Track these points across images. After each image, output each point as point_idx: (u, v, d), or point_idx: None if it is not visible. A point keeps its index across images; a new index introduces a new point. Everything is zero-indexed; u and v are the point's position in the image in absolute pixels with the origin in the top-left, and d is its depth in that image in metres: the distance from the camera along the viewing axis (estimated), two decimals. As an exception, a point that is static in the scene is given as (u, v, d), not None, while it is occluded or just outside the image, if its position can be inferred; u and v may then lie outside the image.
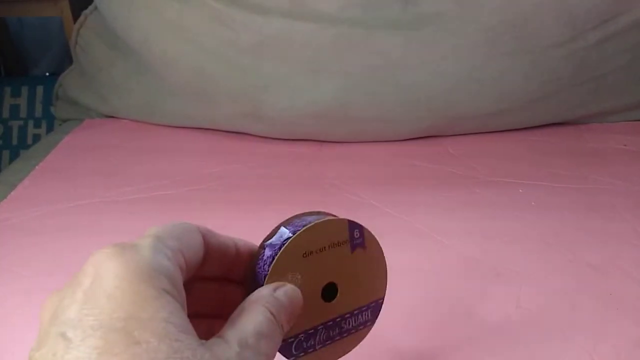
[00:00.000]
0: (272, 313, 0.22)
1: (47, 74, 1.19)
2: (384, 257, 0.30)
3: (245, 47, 0.72)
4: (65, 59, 1.13)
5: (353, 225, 0.28)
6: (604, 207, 0.59)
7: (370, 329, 0.30)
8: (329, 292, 0.27)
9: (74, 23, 0.86)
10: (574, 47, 0.72)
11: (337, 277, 0.27)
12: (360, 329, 0.29)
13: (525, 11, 0.70)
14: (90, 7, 0.84)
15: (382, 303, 0.30)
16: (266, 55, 0.72)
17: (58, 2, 0.93)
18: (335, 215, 0.29)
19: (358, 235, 0.29)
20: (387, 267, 0.31)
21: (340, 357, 0.29)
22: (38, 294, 0.47)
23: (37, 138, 1.07)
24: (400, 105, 0.73)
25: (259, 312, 0.22)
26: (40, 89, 1.10)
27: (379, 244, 0.30)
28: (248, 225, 0.57)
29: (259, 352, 0.20)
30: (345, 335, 0.28)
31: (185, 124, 0.82)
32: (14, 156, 1.07)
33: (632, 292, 0.46)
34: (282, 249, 0.26)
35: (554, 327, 0.42)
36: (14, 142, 1.09)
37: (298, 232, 0.26)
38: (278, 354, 0.23)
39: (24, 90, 1.10)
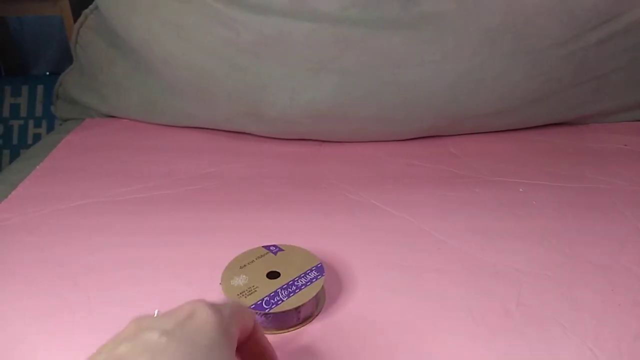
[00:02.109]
0: None
1: (48, 73, 1.19)
2: (302, 248, 0.48)
3: (245, 47, 0.72)
4: (65, 59, 1.13)
5: (267, 246, 0.48)
6: (604, 205, 0.59)
7: (323, 280, 0.44)
8: (275, 275, 0.44)
9: (74, 22, 0.86)
10: (575, 47, 0.72)
11: (274, 267, 0.45)
12: (314, 281, 0.43)
13: (526, 11, 0.70)
14: (91, 7, 0.84)
15: (321, 265, 0.45)
16: (266, 55, 0.72)
17: (58, 1, 0.93)
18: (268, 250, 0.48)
19: (274, 248, 0.48)
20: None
21: (309, 299, 0.41)
22: (39, 294, 0.47)
23: (37, 137, 1.07)
24: (401, 105, 0.73)
25: None
26: (40, 89, 1.10)
27: (294, 245, 0.48)
28: (248, 225, 0.57)
29: None
30: (303, 287, 0.42)
31: (185, 124, 0.82)
32: (14, 156, 1.07)
33: (633, 288, 0.46)
34: (225, 268, 0.45)
35: (555, 323, 0.42)
36: (15, 141, 1.09)
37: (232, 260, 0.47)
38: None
39: (25, 90, 1.10)
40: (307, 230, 0.56)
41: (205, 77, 0.75)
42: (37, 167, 0.71)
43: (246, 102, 0.74)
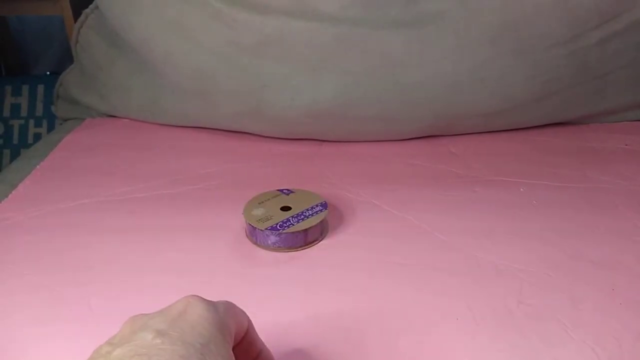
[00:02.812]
0: None
1: (48, 73, 1.19)
2: (309, 191, 0.58)
3: (245, 46, 0.72)
4: (66, 58, 1.13)
5: (281, 189, 0.58)
6: (605, 205, 0.59)
7: (326, 212, 0.54)
8: (287, 208, 0.55)
9: (75, 22, 0.86)
10: (576, 47, 0.71)
11: (287, 203, 0.56)
12: (320, 211, 0.54)
13: (527, 11, 0.69)
14: (91, 6, 0.84)
15: (326, 202, 0.56)
16: (267, 55, 0.72)
17: (59, 0, 0.93)
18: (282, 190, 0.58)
19: (287, 191, 0.58)
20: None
21: (314, 223, 0.52)
22: (39, 293, 0.47)
23: (38, 137, 1.07)
24: (401, 104, 0.73)
25: None
26: (41, 88, 1.10)
27: (303, 189, 0.59)
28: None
29: None
30: (310, 216, 0.53)
31: (185, 123, 0.82)
32: (15, 155, 1.07)
33: (635, 287, 0.46)
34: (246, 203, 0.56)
35: (555, 322, 0.42)
36: (15, 141, 1.09)
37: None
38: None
39: (25, 89, 1.10)
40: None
41: (206, 77, 0.75)
42: (38, 166, 0.71)
43: (247, 101, 0.74)
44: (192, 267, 0.50)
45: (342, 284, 0.47)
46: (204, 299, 0.28)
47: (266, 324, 0.36)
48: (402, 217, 0.58)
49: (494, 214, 0.58)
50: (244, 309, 0.31)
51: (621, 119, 0.81)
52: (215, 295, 0.46)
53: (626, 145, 0.74)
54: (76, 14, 0.90)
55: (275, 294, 0.46)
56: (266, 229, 0.51)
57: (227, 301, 0.30)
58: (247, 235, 0.55)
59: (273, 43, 0.71)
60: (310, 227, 0.51)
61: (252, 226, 0.52)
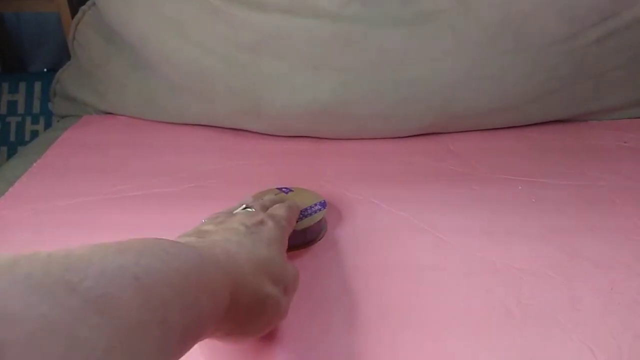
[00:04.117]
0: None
1: (45, 70, 1.18)
2: (308, 190, 0.58)
3: (244, 44, 0.72)
4: (63, 55, 1.13)
5: (280, 187, 0.58)
6: (604, 203, 0.59)
7: (325, 211, 0.54)
8: None
9: (72, 19, 0.86)
10: (574, 45, 0.71)
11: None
12: (318, 210, 0.53)
13: (526, 8, 0.69)
14: (88, 3, 0.83)
15: (324, 201, 0.55)
16: (265, 52, 0.72)
17: (56, -3, 0.92)
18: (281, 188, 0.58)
19: (286, 189, 0.57)
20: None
21: (313, 222, 0.51)
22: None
23: (35, 134, 1.07)
24: (400, 102, 0.73)
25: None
26: (38, 85, 1.10)
27: (302, 187, 0.58)
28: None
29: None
30: (308, 214, 0.53)
31: (183, 121, 0.82)
32: (11, 152, 1.06)
33: (634, 286, 0.46)
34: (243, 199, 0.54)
35: (554, 321, 0.42)
36: (12, 138, 1.08)
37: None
38: None
39: (22, 87, 1.10)
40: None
41: (204, 75, 0.74)
42: (34, 164, 0.70)
43: (245, 99, 0.74)
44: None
45: (340, 283, 0.47)
46: (273, 217, 0.42)
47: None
48: (400, 215, 0.58)
49: (493, 212, 0.58)
50: None
51: (620, 116, 0.81)
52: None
53: (625, 142, 0.74)
54: (73, 11, 0.90)
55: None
56: None
57: (290, 206, 0.48)
58: None
59: (271, 41, 0.71)
60: (309, 227, 0.51)
61: None
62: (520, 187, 0.63)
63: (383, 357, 0.39)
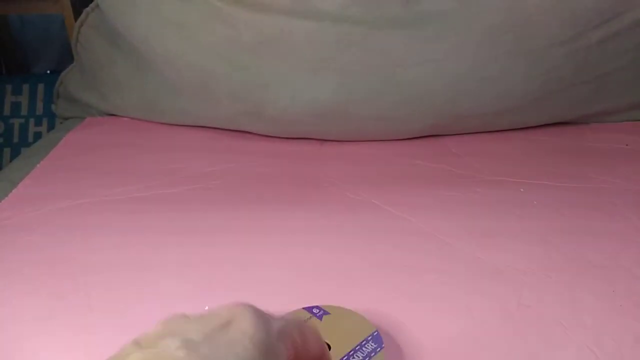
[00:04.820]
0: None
1: (48, 71, 1.19)
2: (352, 311, 0.40)
3: (246, 46, 0.72)
4: (66, 57, 1.13)
5: (309, 308, 0.40)
6: (605, 205, 0.59)
7: (383, 350, 0.37)
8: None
9: (75, 21, 0.86)
10: (576, 46, 0.71)
11: (323, 334, 0.32)
12: (374, 355, 0.37)
13: (527, 10, 0.69)
14: (92, 5, 0.84)
15: (378, 333, 0.38)
16: (267, 54, 0.72)
17: (59, -1, 0.93)
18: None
19: (318, 310, 0.40)
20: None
21: None
22: (38, 294, 0.47)
23: (38, 136, 1.07)
24: (402, 104, 0.73)
25: None
26: (41, 87, 1.10)
27: (340, 307, 0.41)
28: (248, 224, 0.57)
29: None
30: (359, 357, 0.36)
31: (186, 122, 0.82)
32: (15, 154, 1.07)
33: (634, 288, 0.46)
34: None
35: (555, 324, 0.42)
36: (15, 140, 1.08)
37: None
38: None
39: (25, 88, 1.10)
40: (307, 230, 0.55)
41: (206, 76, 0.75)
42: (38, 165, 0.71)
43: (247, 101, 0.74)
44: (194, 267, 0.50)
45: (339, 283, 0.47)
46: (257, 311, 0.22)
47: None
48: (402, 217, 0.58)
49: (495, 214, 0.58)
50: None
51: (622, 119, 0.81)
52: (216, 294, 0.46)
53: (627, 145, 0.74)
54: (77, 13, 0.90)
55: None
56: None
57: (293, 318, 0.25)
58: None
59: (273, 42, 0.71)
60: None
61: None
62: (522, 190, 0.63)
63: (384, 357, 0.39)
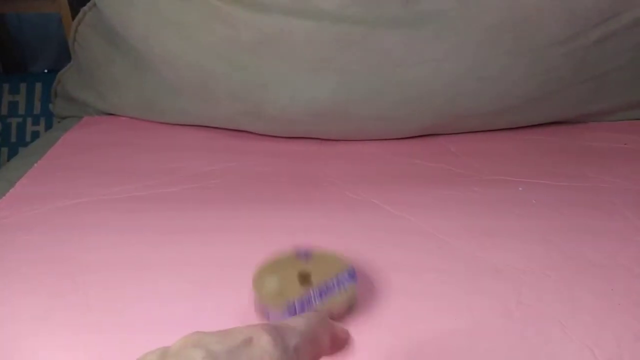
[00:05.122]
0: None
1: (46, 70, 1.19)
2: (334, 252, 0.48)
3: (245, 45, 0.72)
4: (64, 56, 1.13)
5: (298, 251, 0.47)
6: (604, 204, 0.59)
7: (356, 285, 0.44)
8: (305, 278, 0.44)
9: (73, 20, 0.86)
10: (575, 46, 0.71)
11: (304, 269, 0.45)
12: (346, 282, 0.44)
13: (526, 9, 0.69)
14: (89, 4, 0.83)
15: (353, 269, 0.45)
16: (266, 53, 0.72)
17: (57, -2, 0.92)
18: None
19: (305, 253, 0.47)
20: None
21: (343, 302, 0.42)
22: (36, 293, 0.46)
23: (35, 135, 1.07)
24: (401, 103, 0.73)
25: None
26: (38, 86, 1.10)
27: (325, 249, 0.48)
28: (248, 224, 0.57)
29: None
30: (334, 287, 0.43)
31: (184, 122, 0.82)
32: (12, 153, 1.07)
33: (633, 287, 0.46)
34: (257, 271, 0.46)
35: (555, 322, 0.42)
36: (13, 139, 1.08)
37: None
38: None
39: (23, 87, 1.10)
40: (307, 230, 0.55)
41: (206, 76, 0.74)
42: (35, 164, 0.70)
43: (246, 100, 0.74)
44: (192, 266, 0.50)
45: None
46: (275, 330, 0.24)
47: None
48: (401, 216, 0.58)
49: (494, 214, 0.58)
50: None
51: (620, 118, 0.81)
52: (215, 293, 0.46)
53: (625, 144, 0.74)
54: (74, 12, 0.90)
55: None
56: (281, 311, 0.41)
57: (309, 325, 0.26)
58: (256, 311, 0.44)
59: (272, 42, 0.71)
60: (336, 309, 0.42)
61: (264, 305, 0.43)
62: (520, 189, 0.63)
63: (382, 356, 0.39)
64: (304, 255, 0.47)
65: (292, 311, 0.41)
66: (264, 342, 0.22)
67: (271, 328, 0.24)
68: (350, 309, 0.44)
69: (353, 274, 0.45)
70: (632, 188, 0.62)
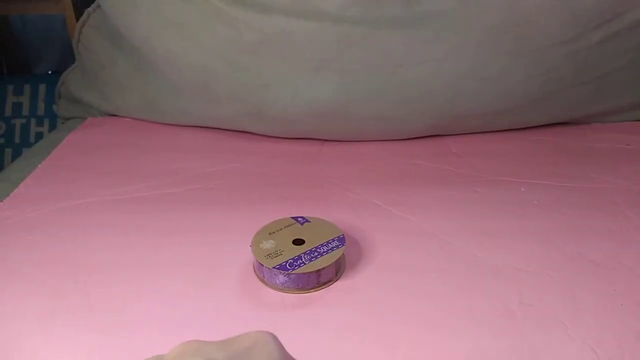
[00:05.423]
0: None
1: (50, 72, 1.19)
2: (328, 221, 0.52)
3: (247, 46, 0.72)
4: (67, 57, 1.13)
5: (295, 217, 0.53)
6: (606, 205, 0.59)
7: (344, 249, 0.48)
8: (300, 242, 0.49)
9: (77, 21, 0.86)
10: (576, 47, 0.71)
11: (300, 235, 0.50)
12: (335, 249, 0.48)
13: (528, 10, 0.69)
14: (93, 5, 0.84)
15: (343, 236, 0.50)
16: (268, 54, 0.72)
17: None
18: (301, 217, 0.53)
19: (302, 219, 0.52)
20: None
21: (329, 264, 0.46)
22: (39, 293, 0.47)
23: (39, 136, 1.07)
24: (402, 104, 0.73)
25: None
26: (42, 87, 1.10)
27: (320, 217, 0.53)
28: (250, 224, 0.57)
29: None
30: (324, 253, 0.47)
31: (187, 123, 0.82)
32: (16, 154, 1.07)
33: (635, 288, 0.46)
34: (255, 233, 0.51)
35: (556, 322, 0.42)
36: (17, 140, 1.09)
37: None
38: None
39: (27, 89, 1.10)
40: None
41: (207, 76, 0.75)
42: (39, 165, 0.71)
43: (248, 101, 0.74)
44: (194, 267, 0.50)
45: (342, 280, 0.47)
46: (277, 340, 0.23)
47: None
48: (402, 216, 0.58)
49: (495, 214, 0.58)
50: None
51: (622, 119, 0.81)
52: (217, 294, 0.46)
53: (627, 145, 0.74)
54: (78, 13, 0.90)
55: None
56: (274, 267, 0.46)
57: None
58: (254, 270, 0.49)
59: (274, 42, 0.71)
60: (323, 268, 0.46)
61: (260, 263, 0.47)
62: (522, 190, 0.63)
63: (383, 356, 0.39)
64: (301, 220, 0.52)
65: (284, 268, 0.45)
66: (269, 347, 0.22)
67: (273, 337, 0.23)
68: (338, 272, 0.48)
69: (343, 240, 0.49)
70: (634, 189, 0.62)
